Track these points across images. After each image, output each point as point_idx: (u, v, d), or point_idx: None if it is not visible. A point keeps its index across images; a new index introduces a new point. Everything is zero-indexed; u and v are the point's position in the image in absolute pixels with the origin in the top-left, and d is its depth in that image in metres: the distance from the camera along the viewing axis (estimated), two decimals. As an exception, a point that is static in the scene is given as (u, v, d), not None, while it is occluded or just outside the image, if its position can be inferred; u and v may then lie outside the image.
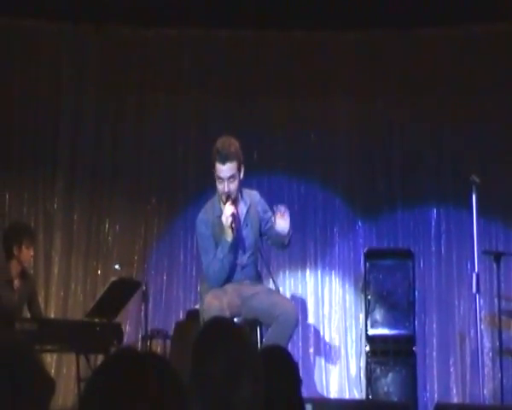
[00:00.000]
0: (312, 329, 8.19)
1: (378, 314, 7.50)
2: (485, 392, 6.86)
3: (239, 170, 5.55)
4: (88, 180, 8.39)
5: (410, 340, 7.44)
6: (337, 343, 8.16)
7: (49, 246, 8.24)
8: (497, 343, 7.25)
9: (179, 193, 8.40)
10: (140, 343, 7.72)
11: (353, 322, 8.15)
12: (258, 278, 5.84)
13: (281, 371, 3.15)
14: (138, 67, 8.53)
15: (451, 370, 7.97)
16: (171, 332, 7.41)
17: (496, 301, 7.36)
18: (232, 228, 5.50)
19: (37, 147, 8.36)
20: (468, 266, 7.82)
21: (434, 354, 8.01)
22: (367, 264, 7.61)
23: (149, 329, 7.48)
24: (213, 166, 5.58)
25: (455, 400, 7.83)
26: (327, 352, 8.15)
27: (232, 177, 5.52)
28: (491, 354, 7.83)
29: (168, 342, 7.41)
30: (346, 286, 8.24)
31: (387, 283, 7.53)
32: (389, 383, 7.39)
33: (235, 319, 5.32)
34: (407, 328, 7.45)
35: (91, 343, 6.52)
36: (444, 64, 8.31)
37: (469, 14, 7.97)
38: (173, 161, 8.45)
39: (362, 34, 8.39)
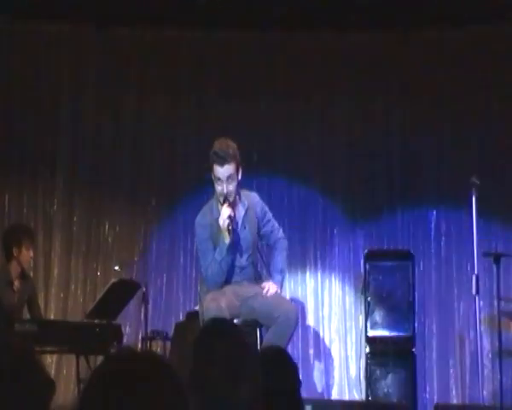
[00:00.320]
0: (312, 330, 8.19)
1: (378, 316, 7.51)
2: (484, 393, 6.88)
3: (237, 171, 5.56)
4: (87, 181, 8.39)
5: (409, 341, 7.44)
6: (337, 345, 8.16)
7: (49, 247, 8.24)
8: (497, 345, 7.23)
9: (179, 194, 8.40)
10: (140, 344, 7.72)
11: (353, 323, 8.15)
12: (257, 280, 5.84)
13: (280, 372, 3.15)
14: (138, 67, 8.53)
15: (451, 371, 7.97)
16: (170, 333, 7.41)
17: (495, 302, 7.35)
18: (229, 230, 5.51)
19: (37, 148, 8.36)
20: (468, 268, 7.82)
21: (434, 355, 8.01)
22: (367, 265, 7.62)
23: (149, 330, 7.47)
24: (211, 168, 5.59)
25: (454, 401, 7.83)
26: (327, 353, 8.15)
27: (230, 178, 5.53)
28: (490, 355, 7.83)
29: (168, 343, 7.41)
30: (346, 288, 8.24)
31: (387, 284, 7.53)
32: (389, 385, 7.39)
33: (235, 321, 5.32)
34: (407, 329, 7.45)
35: (91, 344, 6.52)
36: (444, 65, 8.30)
37: (469, 16, 7.98)
38: (173, 162, 8.46)
39: (362, 36, 8.38)
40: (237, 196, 5.69)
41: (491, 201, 7.74)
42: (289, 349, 5.05)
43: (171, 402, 1.61)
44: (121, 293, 6.82)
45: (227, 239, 5.54)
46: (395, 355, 7.43)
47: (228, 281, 5.66)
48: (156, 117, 8.45)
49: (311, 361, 8.11)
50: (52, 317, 7.92)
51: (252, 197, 5.84)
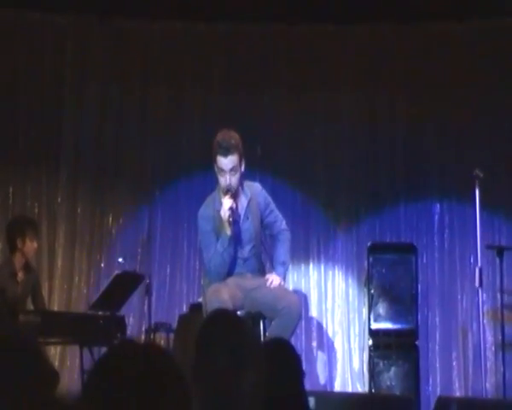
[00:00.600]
0: (315, 322, 8.20)
1: (381, 308, 7.51)
2: (487, 386, 6.89)
3: (240, 162, 5.57)
4: (91, 173, 8.40)
5: (412, 334, 7.45)
6: (340, 337, 8.16)
7: (53, 239, 8.24)
8: (500, 337, 7.25)
9: (183, 186, 8.40)
10: (143, 336, 7.73)
11: (356, 316, 8.15)
12: (260, 271, 5.84)
13: (284, 363, 3.16)
14: (141, 59, 8.52)
15: (454, 364, 7.97)
16: (174, 325, 7.41)
17: (498, 295, 7.36)
18: (229, 222, 5.52)
19: (41, 140, 8.36)
20: (471, 261, 7.82)
21: (437, 347, 8.01)
22: (370, 258, 7.62)
23: (153, 322, 7.48)
24: (215, 160, 5.59)
25: (457, 393, 7.84)
26: (330, 345, 8.15)
27: (233, 170, 5.54)
28: (493, 348, 7.83)
29: (171, 335, 7.41)
30: (349, 280, 8.24)
31: (390, 277, 7.54)
32: (392, 377, 7.40)
33: (238, 313, 5.33)
34: (410, 322, 7.46)
35: (95, 336, 6.54)
36: (448, 59, 8.29)
37: (473, 10, 7.97)
38: (177, 153, 8.45)
39: (366, 28, 8.37)
40: (240, 187, 5.69)
41: (494, 193, 7.73)
42: (292, 341, 5.04)
43: (174, 394, 1.62)
44: (125, 285, 6.83)
45: (229, 231, 5.55)
46: (398, 348, 7.43)
47: (230, 273, 5.67)
48: (160, 109, 8.45)
49: (315, 354, 8.12)
50: (56, 308, 7.92)
51: (254, 188, 5.84)
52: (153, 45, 8.51)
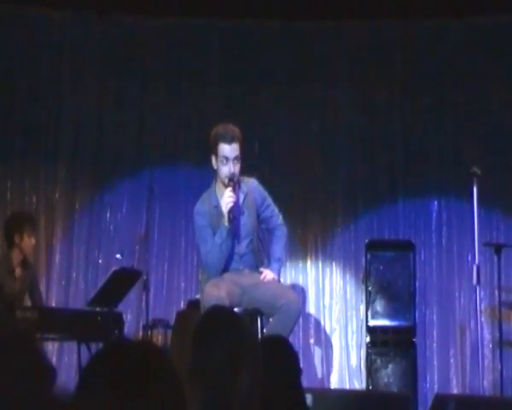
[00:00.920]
0: (313, 319, 8.20)
1: (378, 305, 7.51)
2: (484, 383, 6.88)
3: (241, 154, 5.56)
4: (89, 169, 8.40)
5: (410, 331, 7.45)
6: (337, 334, 8.17)
7: (51, 235, 8.24)
8: (497, 335, 7.26)
9: (181, 182, 8.40)
10: (141, 333, 7.73)
11: (354, 313, 8.15)
12: (258, 267, 5.83)
13: (281, 361, 3.16)
14: (140, 55, 8.52)
15: (451, 361, 7.98)
16: (172, 322, 7.40)
17: (496, 292, 7.37)
18: (229, 216, 5.50)
19: (39, 135, 8.36)
20: (469, 258, 7.82)
21: (434, 345, 8.02)
22: (368, 255, 7.61)
23: (150, 318, 7.47)
24: (215, 150, 5.54)
25: (455, 391, 7.84)
26: (327, 342, 8.15)
27: (236, 159, 5.52)
28: (491, 345, 7.83)
29: (169, 331, 7.40)
30: (347, 277, 8.24)
31: (388, 274, 7.53)
32: (389, 374, 7.40)
33: (236, 309, 5.32)
34: (407, 319, 7.46)
35: (92, 332, 6.52)
36: (445, 55, 8.29)
37: (472, 6, 7.96)
38: (175, 150, 8.45)
39: (364, 24, 8.37)
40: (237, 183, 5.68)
41: (492, 191, 7.74)
42: (290, 338, 5.04)
43: (168, 392, 1.61)
44: (122, 281, 6.82)
45: (227, 222, 5.52)
46: (396, 345, 7.43)
47: (226, 268, 5.64)
48: (158, 104, 8.45)
49: (312, 350, 8.12)
50: (53, 304, 7.93)
51: (250, 183, 5.82)
52: (151, 41, 8.50)
